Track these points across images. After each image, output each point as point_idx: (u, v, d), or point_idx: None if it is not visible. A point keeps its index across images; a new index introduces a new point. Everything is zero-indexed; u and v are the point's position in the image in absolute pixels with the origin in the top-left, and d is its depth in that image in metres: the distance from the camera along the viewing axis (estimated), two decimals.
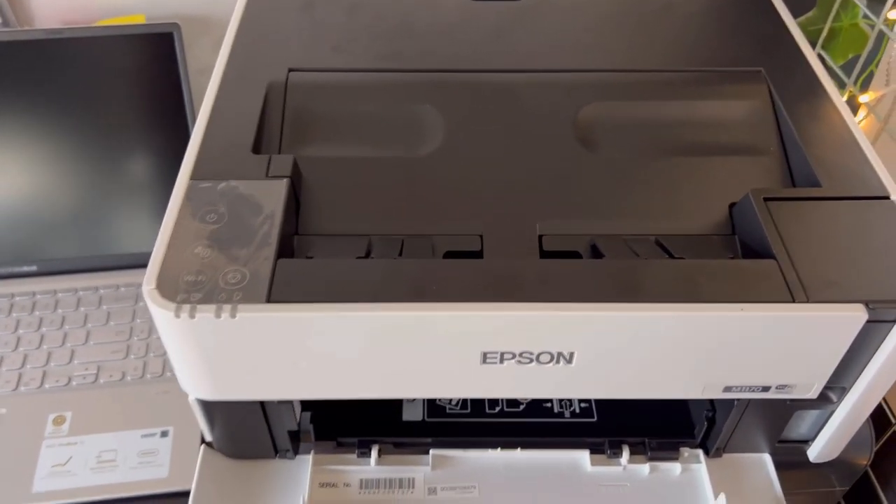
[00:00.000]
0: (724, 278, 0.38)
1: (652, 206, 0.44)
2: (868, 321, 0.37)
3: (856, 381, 0.42)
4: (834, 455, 0.48)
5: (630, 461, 0.48)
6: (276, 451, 0.48)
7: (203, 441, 0.50)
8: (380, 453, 0.48)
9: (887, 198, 0.42)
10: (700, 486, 0.47)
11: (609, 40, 0.54)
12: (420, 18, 0.55)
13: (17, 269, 0.72)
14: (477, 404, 0.51)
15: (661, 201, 0.45)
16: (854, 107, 0.61)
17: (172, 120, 0.71)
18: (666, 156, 0.47)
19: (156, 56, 0.69)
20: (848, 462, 0.53)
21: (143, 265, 0.72)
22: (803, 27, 0.67)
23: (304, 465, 0.48)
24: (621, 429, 0.50)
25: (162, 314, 0.36)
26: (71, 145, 0.71)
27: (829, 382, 0.41)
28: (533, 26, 0.54)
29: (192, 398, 0.42)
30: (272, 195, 0.41)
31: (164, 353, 0.68)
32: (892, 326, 0.38)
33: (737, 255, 0.42)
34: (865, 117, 0.60)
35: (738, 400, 0.43)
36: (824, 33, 0.64)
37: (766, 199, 0.42)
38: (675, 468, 0.48)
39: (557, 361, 0.39)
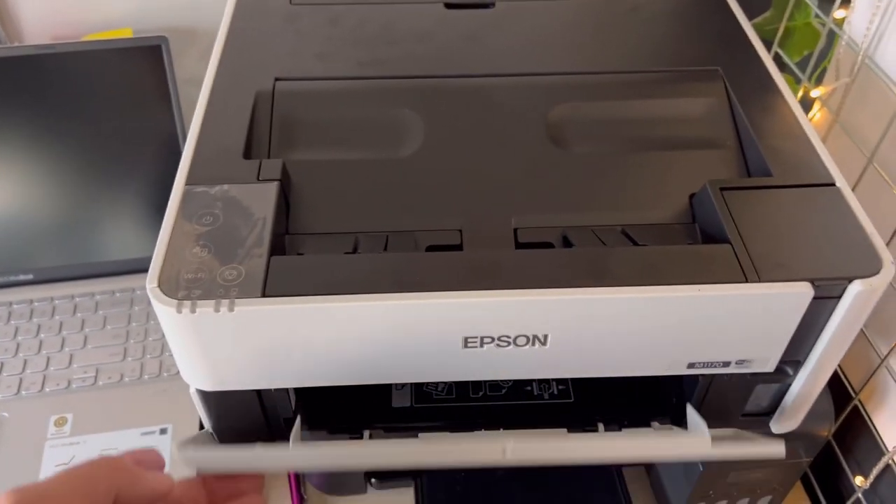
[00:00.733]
0: (684, 262, 0.41)
1: (618, 199, 0.47)
2: (814, 297, 0.40)
3: (808, 354, 0.45)
4: (794, 426, 0.51)
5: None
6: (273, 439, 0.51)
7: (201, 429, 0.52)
8: (371, 438, 0.50)
9: (832, 184, 0.45)
10: None
11: (577, 44, 0.57)
12: (398, 26, 0.58)
13: (13, 278, 0.75)
14: (461, 390, 0.54)
15: (627, 193, 0.48)
16: (809, 101, 0.65)
17: (162, 129, 0.74)
18: (631, 151, 0.50)
19: (145, 68, 0.72)
20: (811, 434, 0.56)
21: (138, 270, 0.76)
22: (760, 27, 0.71)
23: None
24: (597, 407, 0.53)
25: (165, 310, 0.39)
26: (64, 156, 0.73)
27: (784, 356, 0.44)
28: (505, 32, 0.58)
29: (193, 390, 0.45)
30: (263, 197, 0.44)
31: (161, 355, 0.71)
32: (837, 302, 0.41)
33: (696, 242, 0.45)
34: (819, 111, 0.64)
35: (703, 376, 0.47)
36: (780, 32, 0.68)
37: (722, 189, 0.45)
38: None
39: (533, 344, 0.42)
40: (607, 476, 0.66)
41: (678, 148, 0.50)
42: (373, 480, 0.65)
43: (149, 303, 0.74)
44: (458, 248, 0.44)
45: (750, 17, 0.60)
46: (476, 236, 0.45)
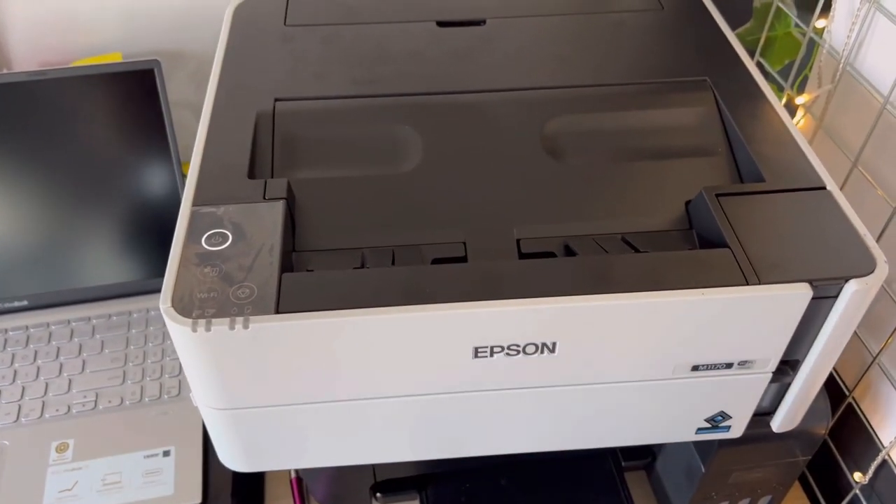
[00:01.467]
0: (686, 267, 0.43)
1: (616, 208, 0.49)
2: (813, 298, 0.42)
3: (807, 353, 0.46)
4: (794, 424, 0.52)
5: None
6: None
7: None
8: None
9: (823, 188, 0.47)
10: None
11: (567, 58, 0.58)
12: (392, 45, 0.59)
13: (8, 305, 0.74)
14: None
15: (624, 202, 0.49)
16: (792, 108, 0.67)
17: (156, 153, 0.74)
18: (625, 161, 0.51)
19: (138, 92, 0.72)
20: (809, 433, 0.57)
21: (133, 293, 0.76)
22: (742, 37, 0.73)
23: None
24: None
25: (180, 330, 0.39)
26: (58, 181, 0.73)
27: (784, 356, 0.46)
28: (497, 48, 0.59)
29: (205, 410, 0.45)
30: (270, 216, 0.45)
31: (160, 377, 0.71)
32: (834, 302, 0.43)
33: (694, 247, 0.46)
34: (803, 117, 0.66)
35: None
36: (762, 42, 0.70)
37: (717, 195, 0.46)
38: None
39: (542, 352, 0.43)
40: (609, 480, 0.67)
41: (671, 157, 0.52)
42: (378, 495, 0.65)
43: (146, 325, 0.75)
44: (463, 259, 0.45)
45: (732, 28, 0.61)
46: (480, 248, 0.46)
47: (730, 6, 0.63)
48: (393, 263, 0.44)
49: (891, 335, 0.58)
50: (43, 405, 0.68)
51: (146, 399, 0.69)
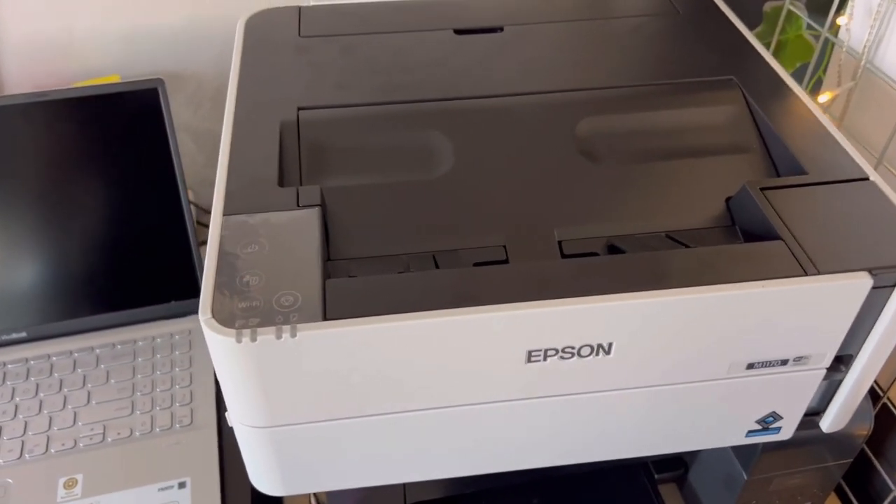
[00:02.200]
0: (739, 261, 0.41)
1: (655, 206, 0.48)
2: (873, 287, 0.41)
3: (861, 348, 0.45)
4: (843, 424, 0.51)
5: None
6: None
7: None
8: None
9: (867, 178, 0.46)
10: None
11: (589, 62, 0.58)
12: (411, 54, 0.58)
13: (6, 337, 0.71)
14: None
15: (662, 201, 0.48)
16: None
17: (160, 175, 0.72)
18: (659, 160, 0.51)
19: (142, 112, 0.70)
20: (851, 434, 0.56)
21: (137, 321, 0.73)
22: None
23: None
24: None
25: (222, 342, 0.37)
26: (59, 208, 0.71)
27: (839, 351, 0.45)
28: (517, 54, 0.58)
29: (242, 430, 0.42)
30: (307, 223, 0.43)
31: (171, 406, 0.68)
32: (893, 291, 0.42)
33: (740, 243, 0.45)
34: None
35: None
36: (773, 46, 0.70)
37: (762, 189, 0.45)
38: None
39: (597, 353, 0.41)
40: (644, 494, 0.65)
41: (704, 154, 0.51)
42: None
43: (153, 354, 0.72)
44: (505, 263, 0.44)
45: None
46: (521, 250, 0.44)
47: (740, 10, 0.63)
48: (437, 267, 0.42)
49: None
50: (48, 440, 0.65)
51: (157, 429, 0.66)
